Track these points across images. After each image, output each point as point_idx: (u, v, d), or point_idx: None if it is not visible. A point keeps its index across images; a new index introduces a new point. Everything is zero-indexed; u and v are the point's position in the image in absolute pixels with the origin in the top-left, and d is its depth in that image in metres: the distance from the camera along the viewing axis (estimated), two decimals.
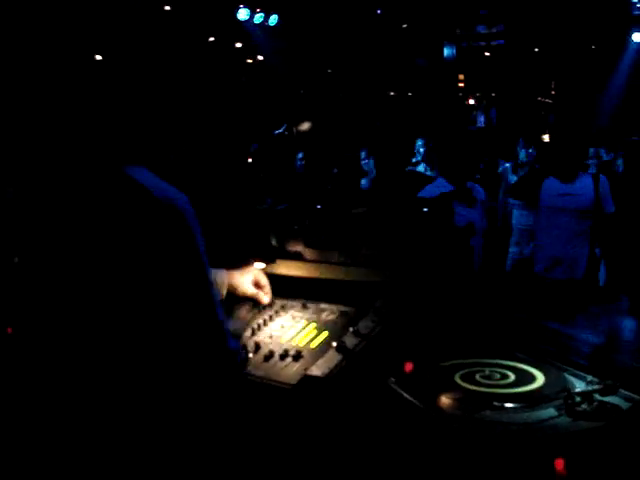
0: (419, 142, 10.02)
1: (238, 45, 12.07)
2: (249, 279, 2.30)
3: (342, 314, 2.22)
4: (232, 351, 1.78)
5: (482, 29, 13.76)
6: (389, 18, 12.19)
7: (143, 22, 1.98)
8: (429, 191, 5.11)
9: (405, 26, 12.53)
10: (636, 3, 11.50)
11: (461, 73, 15.36)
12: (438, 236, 2.24)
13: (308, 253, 2.35)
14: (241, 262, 2.28)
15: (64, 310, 1.69)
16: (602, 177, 5.33)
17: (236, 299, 2.29)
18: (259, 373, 2.03)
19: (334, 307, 2.25)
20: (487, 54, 15.31)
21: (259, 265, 2.29)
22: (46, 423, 1.69)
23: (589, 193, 5.14)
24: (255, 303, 2.34)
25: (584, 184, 5.19)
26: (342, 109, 13.23)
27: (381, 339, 2.02)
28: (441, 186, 5.14)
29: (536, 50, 14.53)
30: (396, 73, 14.05)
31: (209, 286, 1.74)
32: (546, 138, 14.34)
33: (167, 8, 10.11)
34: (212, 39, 10.93)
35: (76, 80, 1.80)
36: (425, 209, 2.22)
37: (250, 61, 12.77)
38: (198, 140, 2.35)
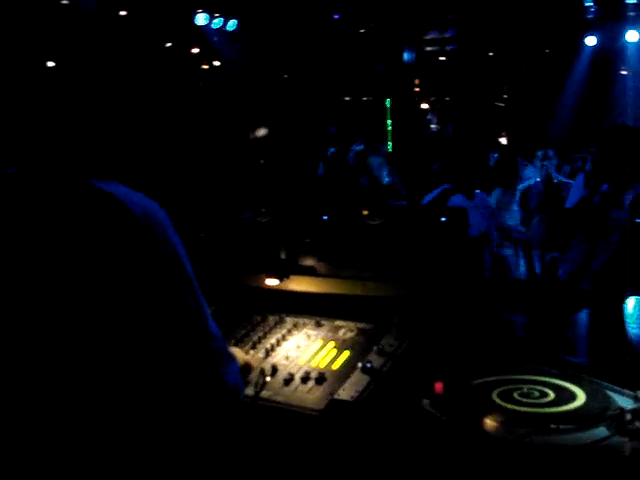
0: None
1: (195, 50, 11.88)
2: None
3: (360, 331, 2.12)
4: (229, 387, 1.57)
5: (436, 34, 13.82)
6: (347, 23, 12.13)
7: (102, 28, 1.85)
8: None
9: (363, 31, 12.47)
10: (590, 7, 11.64)
11: (417, 78, 15.43)
12: (454, 247, 2.15)
13: (321, 267, 2.24)
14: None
15: (29, 340, 1.53)
16: None
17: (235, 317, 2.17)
18: (279, 399, 1.91)
19: (351, 324, 2.15)
20: (442, 59, 15.40)
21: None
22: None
23: None
24: (261, 319, 2.22)
25: None
26: (298, 115, 13.16)
27: (408, 357, 1.93)
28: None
29: (490, 54, 14.65)
30: (354, 78, 14.04)
31: (195, 302, 1.58)
32: (503, 141, 14.53)
33: (123, 13, 9.90)
34: (169, 45, 10.72)
35: (33, 89, 1.66)
36: (443, 219, 2.13)
37: (207, 67, 12.58)
38: (163, 146, 2.21)
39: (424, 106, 16.99)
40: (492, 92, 15.80)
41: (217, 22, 11.01)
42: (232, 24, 11.20)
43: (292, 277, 2.26)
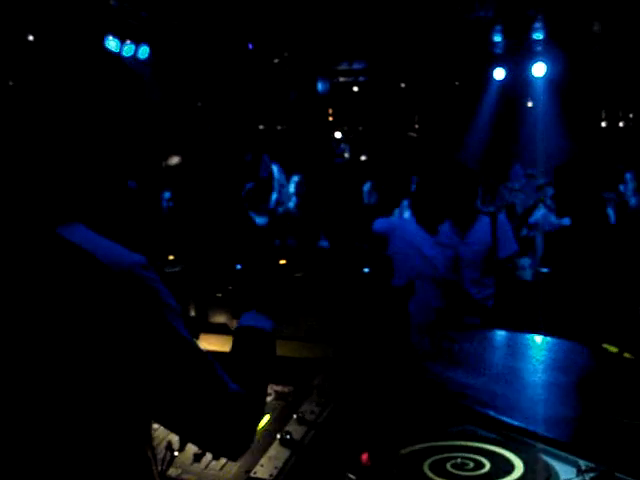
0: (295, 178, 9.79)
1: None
2: None
3: (279, 395, 1.95)
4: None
5: (347, 65, 13.95)
6: (261, 53, 12.09)
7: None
8: (381, 222, 4.99)
9: (277, 61, 12.44)
10: (498, 42, 11.96)
11: (330, 107, 15.55)
12: (379, 301, 2.01)
13: (235, 325, 2.06)
14: None
15: None
16: None
17: None
18: (189, 477, 1.71)
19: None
20: (355, 89, 15.57)
21: None
22: None
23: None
24: None
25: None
26: (212, 143, 12.98)
27: (331, 426, 1.77)
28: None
29: (402, 85, 14.87)
30: (267, 107, 14.01)
31: (192, 355, 1.40)
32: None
33: (30, 38, 9.53)
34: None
35: None
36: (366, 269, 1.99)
37: None
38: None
39: (337, 135, 17.12)
40: (404, 122, 16.03)
41: (128, 49, 10.73)
42: (144, 51, 10.95)
43: (202, 336, 2.07)
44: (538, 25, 11.25)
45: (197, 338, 2.04)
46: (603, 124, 15.42)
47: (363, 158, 16.38)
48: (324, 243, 6.18)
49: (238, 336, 1.61)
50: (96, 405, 1.33)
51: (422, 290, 4.68)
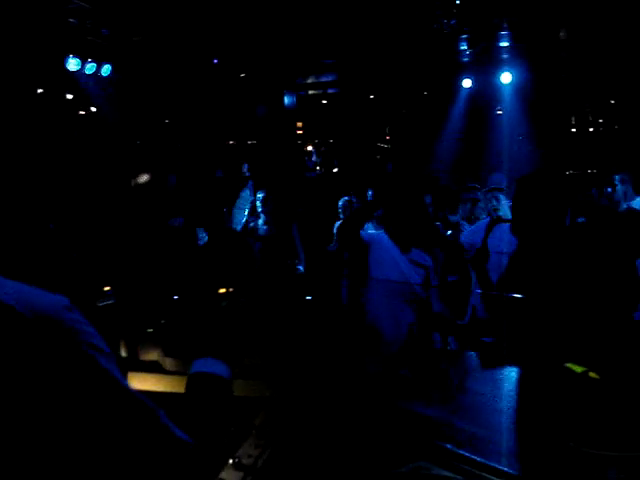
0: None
1: (69, 96, 11.35)
2: None
3: None
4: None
5: (317, 77, 13.90)
6: (226, 68, 11.98)
7: None
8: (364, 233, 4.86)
9: (243, 75, 12.33)
10: (464, 51, 11.93)
11: (299, 121, 15.50)
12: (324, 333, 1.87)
13: (167, 363, 1.91)
14: None
15: None
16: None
17: None
18: None
19: None
20: (324, 102, 15.55)
21: None
22: None
23: None
24: None
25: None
26: (182, 160, 12.84)
27: (270, 471, 1.62)
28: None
29: (372, 97, 14.85)
30: (236, 122, 13.92)
31: (126, 401, 1.27)
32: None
33: None
34: (40, 90, 10.19)
35: None
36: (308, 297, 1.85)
37: (83, 113, 12.07)
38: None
39: (309, 148, 17.09)
40: (374, 134, 16.03)
41: (90, 67, 10.56)
42: (106, 69, 10.78)
43: (131, 375, 1.91)
44: (504, 33, 11.24)
45: (125, 377, 1.89)
46: (573, 130, 15.51)
47: (335, 170, 16.32)
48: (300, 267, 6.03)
49: (192, 383, 1.47)
50: (27, 464, 1.19)
51: (394, 305, 4.57)
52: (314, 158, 17.20)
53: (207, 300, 1.68)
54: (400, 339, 4.41)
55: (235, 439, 1.75)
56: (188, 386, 1.49)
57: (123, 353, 1.96)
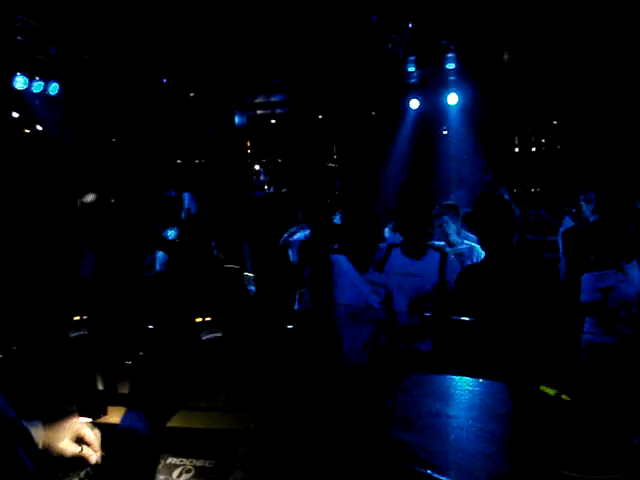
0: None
1: (15, 115, 11.15)
2: (68, 434, 1.75)
3: (199, 471, 1.78)
4: None
5: (265, 98, 13.92)
6: (175, 87, 11.91)
7: None
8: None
9: (192, 95, 12.28)
10: (412, 72, 12.11)
11: (248, 140, 15.51)
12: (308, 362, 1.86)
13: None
14: (56, 414, 1.74)
15: None
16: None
17: None
18: None
19: (187, 462, 1.80)
20: (273, 121, 15.60)
21: (84, 420, 1.77)
22: None
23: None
24: (78, 461, 1.81)
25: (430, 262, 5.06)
26: (129, 179, 12.69)
27: None
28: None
29: (320, 117, 14.94)
30: (184, 141, 13.85)
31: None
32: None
33: None
34: None
35: None
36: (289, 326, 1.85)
37: (28, 131, 11.86)
38: None
39: (256, 167, 17.08)
40: (323, 153, 16.11)
41: (37, 86, 10.39)
42: (54, 88, 10.62)
43: (113, 410, 1.87)
44: (450, 55, 11.43)
45: (105, 413, 1.84)
46: (516, 149, 15.86)
47: (284, 190, 16.35)
48: (251, 288, 5.92)
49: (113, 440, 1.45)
50: None
51: (355, 326, 4.55)
52: (262, 177, 17.21)
53: (184, 331, 1.66)
54: (362, 361, 4.40)
55: (221, 473, 1.72)
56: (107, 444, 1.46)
57: (100, 386, 1.92)
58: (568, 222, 7.72)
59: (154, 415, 1.42)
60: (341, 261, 4.96)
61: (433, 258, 5.11)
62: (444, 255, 5.12)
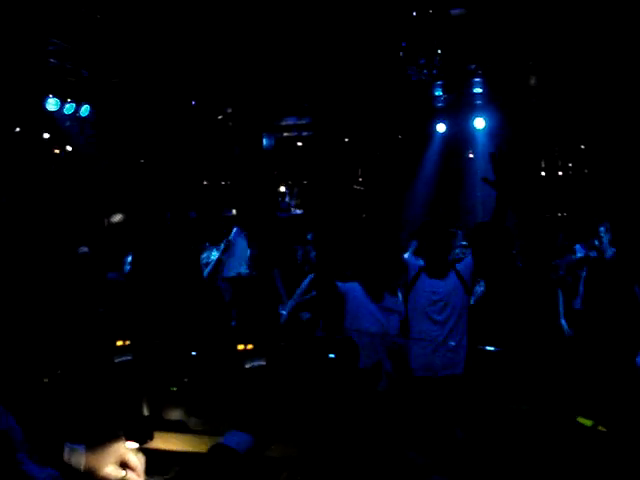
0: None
1: (46, 135, 11.36)
2: (113, 459, 1.76)
3: None
4: None
5: (292, 120, 14.00)
6: (204, 109, 12.06)
7: None
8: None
9: (221, 117, 12.42)
10: (439, 96, 12.15)
11: (275, 162, 15.59)
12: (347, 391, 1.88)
13: (192, 422, 1.90)
14: (102, 438, 1.75)
15: None
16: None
17: None
18: None
19: None
20: (299, 144, 15.67)
21: (131, 445, 1.79)
22: None
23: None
24: None
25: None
26: (158, 199, 12.80)
27: None
28: None
29: (346, 140, 14.99)
30: (211, 162, 13.96)
31: None
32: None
33: None
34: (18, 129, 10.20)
35: None
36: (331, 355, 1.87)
37: (58, 151, 12.07)
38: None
39: (282, 189, 17.15)
40: (348, 176, 16.12)
41: (69, 107, 10.59)
42: (85, 109, 10.82)
43: (157, 434, 1.89)
44: (477, 79, 11.46)
45: (151, 438, 1.86)
46: (543, 173, 15.75)
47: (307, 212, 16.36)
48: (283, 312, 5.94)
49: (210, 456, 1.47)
50: None
51: (375, 357, 4.58)
52: (287, 199, 17.26)
53: (227, 358, 1.68)
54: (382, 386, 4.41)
55: None
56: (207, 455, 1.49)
57: (145, 412, 1.94)
58: (580, 250, 7.71)
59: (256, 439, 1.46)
60: (356, 291, 4.97)
61: (453, 276, 5.15)
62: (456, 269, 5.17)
